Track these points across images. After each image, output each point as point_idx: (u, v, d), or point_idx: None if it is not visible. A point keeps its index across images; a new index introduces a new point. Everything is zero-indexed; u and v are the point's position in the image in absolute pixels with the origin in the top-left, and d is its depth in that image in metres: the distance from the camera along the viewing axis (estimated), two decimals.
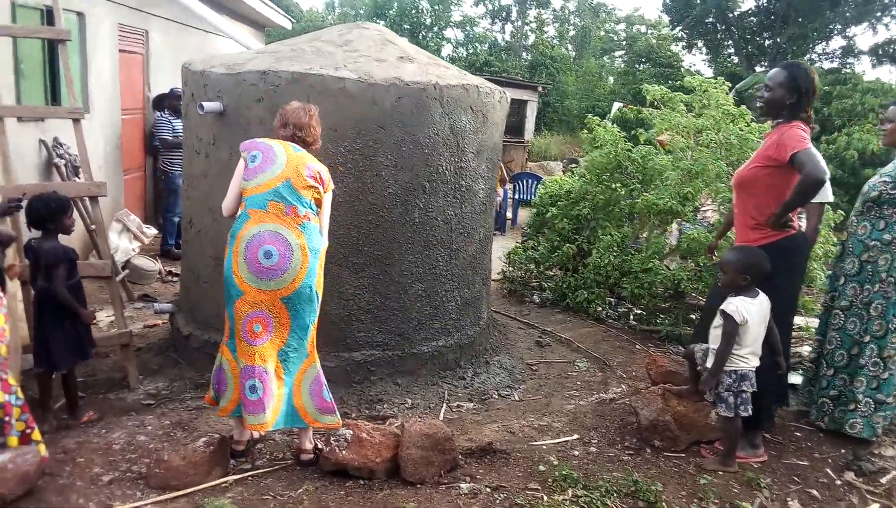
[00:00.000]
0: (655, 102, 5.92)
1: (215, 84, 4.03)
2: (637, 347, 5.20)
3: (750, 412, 3.30)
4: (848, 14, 25.73)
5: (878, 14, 25.38)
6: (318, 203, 3.28)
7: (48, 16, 5.65)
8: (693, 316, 5.57)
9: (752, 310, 3.23)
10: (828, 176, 3.24)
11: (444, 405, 4.26)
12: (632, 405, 3.69)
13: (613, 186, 5.62)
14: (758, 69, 29.04)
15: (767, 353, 3.37)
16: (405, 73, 4.06)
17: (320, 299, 3.30)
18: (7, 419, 3.06)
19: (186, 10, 7.62)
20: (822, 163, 3.20)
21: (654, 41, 34.42)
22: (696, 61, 43.43)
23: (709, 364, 3.34)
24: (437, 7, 28.75)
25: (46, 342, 3.61)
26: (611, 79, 32.76)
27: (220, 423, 3.70)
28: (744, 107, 5.56)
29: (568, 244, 5.82)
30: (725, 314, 3.22)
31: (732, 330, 3.21)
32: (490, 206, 4.83)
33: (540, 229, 6.55)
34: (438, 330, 4.53)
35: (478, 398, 4.39)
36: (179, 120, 7.36)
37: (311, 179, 3.19)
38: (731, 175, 5.24)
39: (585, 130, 6.17)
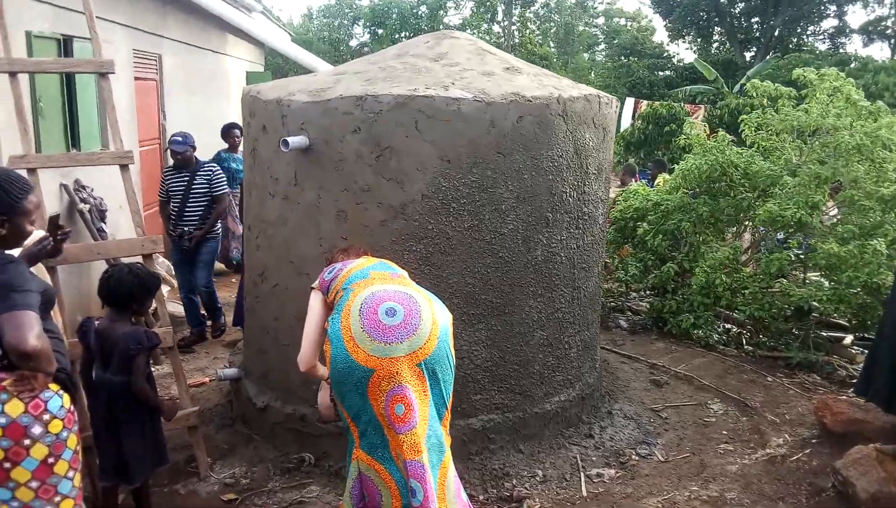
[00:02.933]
0: (764, 101, 5.32)
1: (297, 115, 3.35)
2: (769, 380, 4.57)
3: None
4: None
5: None
6: None
7: (65, 46, 4.95)
8: (817, 335, 4.96)
9: None
10: None
11: (582, 474, 3.62)
12: (841, 472, 3.06)
13: (721, 196, 4.99)
14: (746, 55, 28.74)
15: None
16: (521, 87, 3.42)
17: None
18: None
19: (201, 30, 6.96)
20: None
21: (636, 33, 34.07)
22: (680, 50, 43.13)
23: None
24: (439, 13, 27.96)
25: (119, 451, 2.89)
26: (592, 74, 32.23)
27: None
28: (880, 103, 4.97)
29: (669, 264, 5.18)
30: None
31: None
32: (605, 232, 4.21)
33: (620, 246, 5.91)
34: (561, 382, 3.89)
35: (615, 462, 3.75)
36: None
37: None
38: (870, 180, 4.68)
39: (683, 137, 5.57)
